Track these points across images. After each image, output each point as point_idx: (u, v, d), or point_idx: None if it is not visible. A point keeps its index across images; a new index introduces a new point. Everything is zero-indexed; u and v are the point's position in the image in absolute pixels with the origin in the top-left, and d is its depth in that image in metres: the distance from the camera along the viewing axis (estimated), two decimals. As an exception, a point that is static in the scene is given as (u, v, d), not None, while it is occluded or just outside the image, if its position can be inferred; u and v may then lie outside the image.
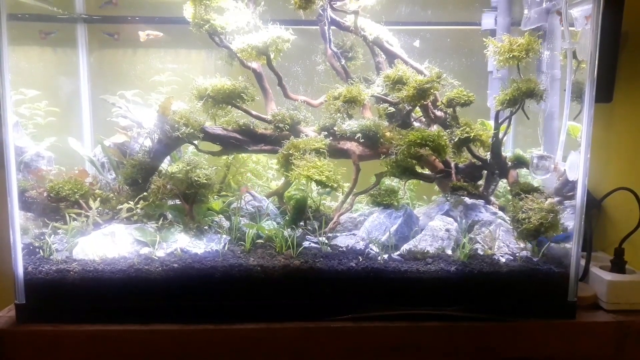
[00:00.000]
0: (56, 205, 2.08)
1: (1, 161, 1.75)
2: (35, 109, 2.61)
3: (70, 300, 1.77)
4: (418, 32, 2.45)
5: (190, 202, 2.05)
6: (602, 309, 1.88)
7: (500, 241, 2.02)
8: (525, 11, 2.37)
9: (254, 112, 2.22)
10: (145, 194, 2.08)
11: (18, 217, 1.78)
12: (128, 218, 2.07)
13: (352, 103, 2.11)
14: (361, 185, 2.14)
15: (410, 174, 2.10)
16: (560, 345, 1.80)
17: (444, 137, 2.02)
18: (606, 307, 1.87)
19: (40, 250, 1.89)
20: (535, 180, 2.22)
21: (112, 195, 2.18)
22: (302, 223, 2.14)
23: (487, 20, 2.64)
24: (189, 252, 1.89)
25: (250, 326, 1.75)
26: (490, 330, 1.78)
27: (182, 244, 1.93)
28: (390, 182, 2.48)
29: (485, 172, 2.29)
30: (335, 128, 2.18)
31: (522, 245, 1.97)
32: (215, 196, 2.28)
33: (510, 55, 2.00)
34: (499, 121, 2.11)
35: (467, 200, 2.23)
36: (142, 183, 2.12)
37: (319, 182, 1.85)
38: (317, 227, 2.06)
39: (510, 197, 2.15)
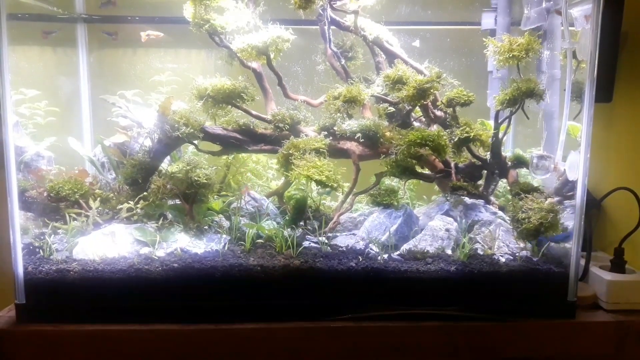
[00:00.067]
0: (56, 205, 2.08)
1: (1, 161, 1.76)
2: (35, 108, 2.60)
3: (70, 300, 1.77)
4: (418, 32, 2.45)
5: (190, 202, 2.05)
6: (602, 309, 1.88)
7: (500, 241, 2.02)
8: (525, 11, 2.37)
9: (254, 112, 2.22)
10: (145, 193, 2.08)
11: (18, 217, 1.78)
12: (128, 218, 2.07)
13: (352, 103, 2.11)
14: (361, 185, 2.14)
15: (410, 173, 2.10)
16: (560, 345, 1.80)
17: (444, 137, 2.02)
18: (606, 306, 1.87)
19: (40, 250, 1.89)
20: (535, 180, 2.22)
21: (112, 195, 2.18)
22: (302, 223, 2.14)
23: (487, 20, 2.64)
24: (189, 252, 1.89)
25: (250, 326, 1.75)
26: (490, 330, 1.78)
27: (182, 244, 1.93)
28: (390, 182, 2.48)
29: (485, 172, 2.29)
30: (335, 128, 2.17)
31: (522, 245, 1.97)
32: (215, 196, 2.28)
33: (510, 55, 2.00)
34: (499, 121, 2.11)
35: (467, 200, 2.23)
36: (142, 183, 2.12)
37: (318, 182, 1.86)
38: (317, 227, 2.06)
39: (510, 197, 2.15)
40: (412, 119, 2.32)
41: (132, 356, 1.74)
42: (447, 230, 2.02)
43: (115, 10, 2.72)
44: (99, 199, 2.11)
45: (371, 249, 1.97)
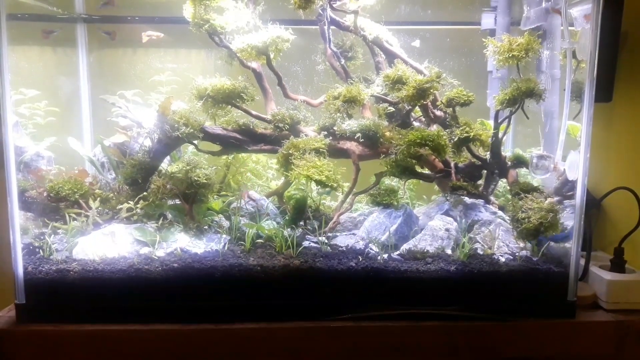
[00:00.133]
0: (56, 205, 2.08)
1: (1, 161, 1.76)
2: (35, 108, 2.60)
3: (70, 300, 1.77)
4: (418, 32, 2.45)
5: (190, 201, 2.05)
6: (602, 309, 1.88)
7: (500, 241, 2.02)
8: (525, 11, 2.37)
9: (253, 112, 2.22)
10: (145, 193, 2.08)
11: (18, 217, 1.78)
12: (128, 218, 2.07)
13: (351, 103, 2.11)
14: (361, 185, 2.14)
15: (410, 173, 2.10)
16: (560, 344, 1.80)
17: (444, 137, 2.02)
18: (606, 306, 1.87)
19: (40, 250, 1.89)
20: (535, 179, 2.22)
21: (112, 195, 2.18)
22: (302, 223, 2.14)
23: (487, 20, 2.64)
24: (189, 252, 1.89)
25: (250, 326, 1.75)
26: (490, 330, 1.78)
27: (182, 244, 1.93)
28: (390, 181, 2.48)
29: (484, 171, 2.29)
30: (335, 128, 2.18)
31: (521, 244, 1.97)
32: (215, 196, 2.28)
33: (510, 55, 1.99)
34: (499, 121, 2.11)
35: (467, 199, 2.23)
36: (142, 183, 2.12)
37: (318, 182, 1.86)
38: (317, 227, 2.06)
39: (509, 196, 2.15)
40: (412, 119, 2.32)
41: (132, 356, 1.74)
42: (447, 230, 2.02)
43: (115, 11, 2.72)
44: (98, 199, 2.11)
45: (371, 248, 1.97)
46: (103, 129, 2.64)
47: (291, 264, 1.82)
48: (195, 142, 2.16)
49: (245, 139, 2.20)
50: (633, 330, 1.80)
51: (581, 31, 2.07)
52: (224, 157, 2.44)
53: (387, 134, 2.14)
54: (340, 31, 2.31)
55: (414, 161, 2.09)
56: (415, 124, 2.32)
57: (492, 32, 2.60)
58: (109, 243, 1.90)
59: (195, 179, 1.99)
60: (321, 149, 2.00)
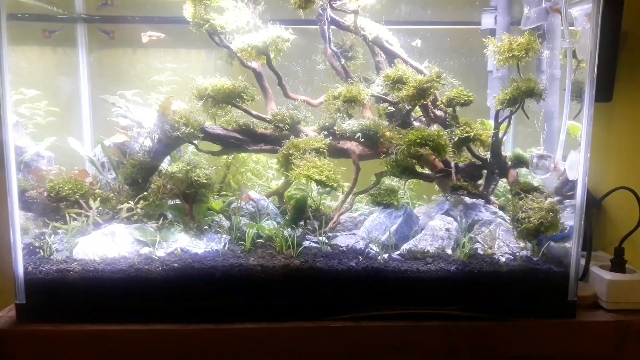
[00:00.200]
0: (56, 205, 2.08)
1: (1, 161, 1.76)
2: (35, 108, 2.60)
3: (70, 300, 1.77)
4: (418, 31, 2.45)
5: (190, 201, 2.05)
6: (602, 309, 1.88)
7: (500, 240, 2.02)
8: (525, 10, 2.37)
9: (254, 112, 2.22)
10: (145, 193, 2.08)
11: (18, 217, 1.78)
12: (128, 218, 2.07)
13: (351, 103, 2.11)
14: (361, 184, 2.14)
15: (410, 173, 2.10)
16: (560, 344, 1.80)
17: (444, 137, 2.02)
18: (606, 306, 1.87)
19: (41, 250, 1.89)
20: (535, 179, 2.22)
21: (112, 195, 2.18)
22: (302, 223, 2.14)
23: (487, 20, 2.64)
24: (189, 252, 1.89)
25: (250, 326, 1.75)
26: (490, 330, 1.78)
27: (182, 244, 1.93)
28: (390, 181, 2.48)
29: (485, 171, 2.29)
30: (335, 128, 2.17)
31: (522, 244, 1.97)
32: (215, 196, 2.28)
33: (510, 55, 2.00)
34: (499, 120, 2.11)
35: (467, 199, 2.23)
36: (142, 183, 2.12)
37: (318, 182, 1.85)
38: (317, 227, 2.06)
39: (510, 196, 2.15)
40: (412, 119, 2.32)
41: (132, 356, 1.74)
42: (447, 229, 2.02)
43: (115, 10, 2.71)
44: (99, 199, 2.11)
45: (371, 248, 1.97)
46: (103, 129, 2.64)
47: (291, 264, 1.82)
48: (196, 142, 2.16)
49: (245, 139, 2.20)
50: (633, 330, 1.80)
51: (581, 31, 2.07)
52: (224, 157, 2.44)
53: (387, 133, 2.14)
54: (340, 31, 2.31)
55: (414, 161, 2.09)
56: (416, 123, 2.32)
57: (492, 32, 2.60)
58: (109, 243, 1.90)
59: (196, 179, 1.99)
60: (321, 149, 2.00)
